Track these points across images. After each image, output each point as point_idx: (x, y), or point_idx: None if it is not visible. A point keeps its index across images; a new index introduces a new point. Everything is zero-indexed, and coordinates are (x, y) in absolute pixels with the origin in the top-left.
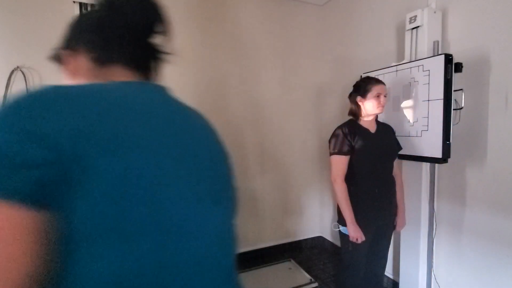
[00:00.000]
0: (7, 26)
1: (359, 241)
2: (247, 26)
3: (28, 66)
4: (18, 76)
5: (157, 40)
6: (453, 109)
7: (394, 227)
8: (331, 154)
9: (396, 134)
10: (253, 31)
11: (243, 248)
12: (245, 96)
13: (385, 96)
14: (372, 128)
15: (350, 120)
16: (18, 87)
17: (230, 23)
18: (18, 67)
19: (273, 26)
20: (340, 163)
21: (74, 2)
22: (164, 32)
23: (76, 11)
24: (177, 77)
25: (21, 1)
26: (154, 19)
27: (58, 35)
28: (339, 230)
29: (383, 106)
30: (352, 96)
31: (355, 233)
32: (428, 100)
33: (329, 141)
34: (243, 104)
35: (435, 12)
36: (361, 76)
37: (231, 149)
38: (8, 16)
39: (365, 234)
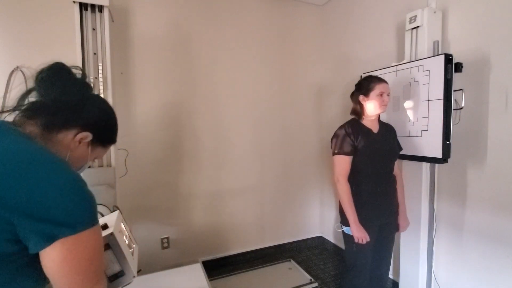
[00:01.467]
0: (7, 26)
1: (364, 242)
2: (247, 26)
3: (28, 66)
4: (18, 76)
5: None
6: (453, 109)
7: (397, 228)
8: (334, 154)
9: (396, 134)
10: (253, 31)
11: (243, 248)
12: (244, 96)
13: (388, 95)
14: (375, 128)
15: (352, 120)
16: (18, 87)
17: (231, 22)
18: (18, 67)
19: (273, 26)
20: (343, 163)
21: (74, 2)
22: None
23: (76, 11)
24: (180, 76)
25: (21, 1)
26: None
27: (58, 35)
28: (343, 231)
29: (386, 105)
30: (355, 95)
31: (358, 233)
32: (428, 100)
33: (332, 141)
34: (243, 104)
35: (435, 12)
36: (361, 76)
37: (230, 149)
38: (8, 16)
39: (368, 234)
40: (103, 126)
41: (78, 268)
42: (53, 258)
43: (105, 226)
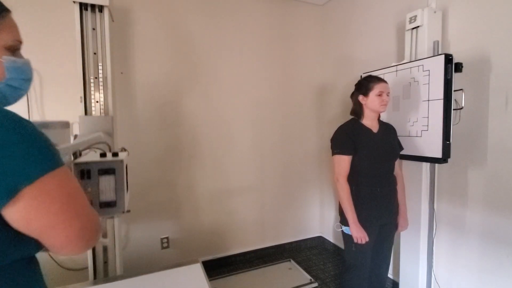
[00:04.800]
0: None
1: (363, 242)
2: (248, 26)
3: None
4: None
5: None
6: (453, 109)
7: (396, 228)
8: (333, 154)
9: (397, 134)
10: (253, 30)
11: (243, 248)
12: (245, 96)
13: (387, 95)
14: (375, 128)
15: (352, 119)
16: None
17: (231, 21)
18: None
19: (273, 26)
20: (343, 163)
21: (74, 2)
22: None
23: (76, 11)
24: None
25: (21, 1)
26: None
27: (58, 35)
28: (342, 231)
29: (386, 105)
30: (354, 95)
31: (358, 233)
32: (428, 100)
33: (331, 141)
34: (243, 104)
35: (435, 12)
36: (361, 76)
37: (230, 149)
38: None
39: (368, 234)
40: None
41: (49, 218)
42: (17, 217)
43: (115, 154)
